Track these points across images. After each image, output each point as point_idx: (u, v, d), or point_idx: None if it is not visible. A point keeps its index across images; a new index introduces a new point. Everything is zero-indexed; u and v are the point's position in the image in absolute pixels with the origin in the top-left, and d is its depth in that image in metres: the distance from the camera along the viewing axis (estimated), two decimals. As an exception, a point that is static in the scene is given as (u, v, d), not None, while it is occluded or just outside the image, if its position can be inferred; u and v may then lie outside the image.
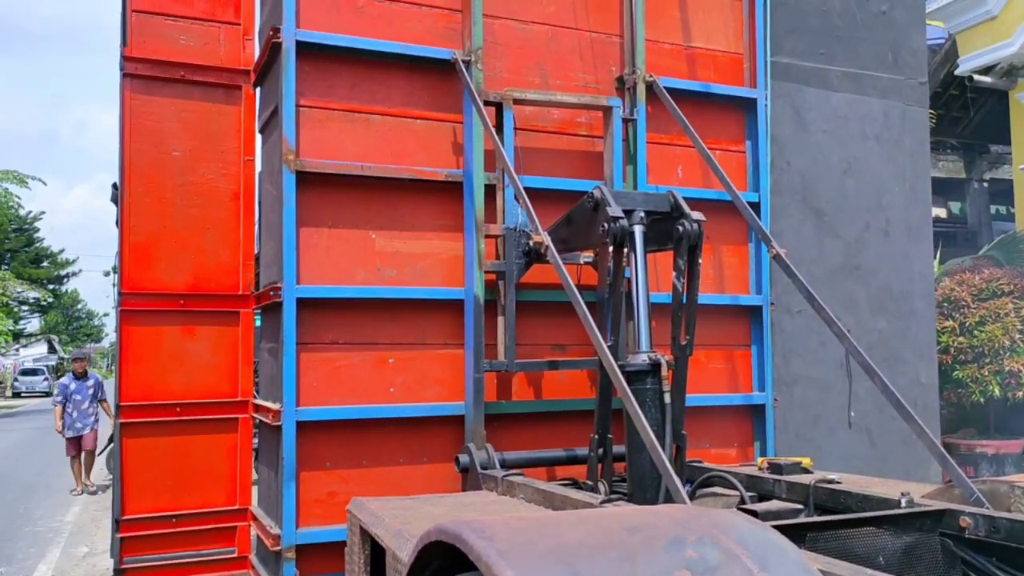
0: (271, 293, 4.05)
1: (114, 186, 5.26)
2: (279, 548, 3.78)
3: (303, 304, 3.86)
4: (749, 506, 3.18)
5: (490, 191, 4.14)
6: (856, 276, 6.47)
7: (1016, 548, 2.43)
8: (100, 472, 11.86)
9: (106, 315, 61.68)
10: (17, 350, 50.19)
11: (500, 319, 4.11)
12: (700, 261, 3.58)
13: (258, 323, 5.00)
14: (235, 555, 4.77)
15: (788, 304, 5.88)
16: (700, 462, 4.03)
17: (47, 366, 48.30)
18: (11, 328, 37.57)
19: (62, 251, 51.92)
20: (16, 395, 43.98)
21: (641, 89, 4.49)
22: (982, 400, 8.58)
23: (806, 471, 3.44)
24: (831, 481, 3.16)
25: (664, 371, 3.40)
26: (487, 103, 4.14)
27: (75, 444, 11.12)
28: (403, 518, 2.92)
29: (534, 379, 4.30)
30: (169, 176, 4.76)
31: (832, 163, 6.46)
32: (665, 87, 4.48)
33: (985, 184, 14.56)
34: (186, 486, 4.72)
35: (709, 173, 4.53)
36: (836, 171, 6.47)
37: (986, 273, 9.18)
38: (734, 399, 4.72)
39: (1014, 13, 10.93)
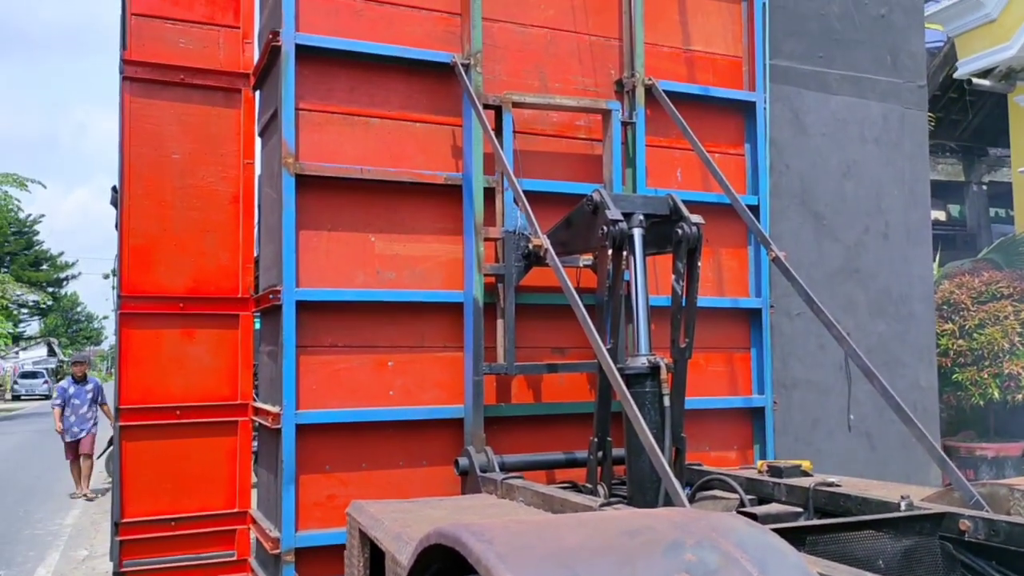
0: (270, 296, 4.05)
1: (114, 189, 5.26)
2: (278, 551, 3.78)
3: (302, 307, 3.86)
4: (748, 509, 3.18)
5: (489, 194, 4.14)
6: (855, 279, 6.48)
7: (1016, 551, 2.43)
8: (100, 475, 11.85)
9: (106, 318, 61.70)
10: (17, 353, 50.19)
11: (499, 322, 4.11)
12: (699, 264, 3.59)
13: (257, 326, 5.00)
14: (234, 558, 4.77)
15: (787, 307, 5.88)
16: (699, 465, 4.03)
17: (47, 369, 48.28)
18: (11, 331, 37.54)
19: (62, 254, 51.95)
20: (16, 398, 44.00)
21: (640, 92, 4.49)
22: (982, 403, 8.58)
23: (806, 474, 3.43)
24: (831, 484, 3.15)
25: (663, 374, 3.40)
26: (486, 106, 4.15)
27: (73, 448, 11.09)
28: (402, 521, 2.91)
29: (533, 382, 4.30)
30: (169, 179, 4.76)
31: (831, 166, 6.46)
32: (664, 90, 4.48)
33: (984, 187, 14.57)
34: (185, 489, 4.71)
35: (708, 176, 4.53)
36: (835, 174, 6.48)
37: (985, 276, 9.18)
38: (733, 402, 4.72)
39: (1013, 16, 10.95)
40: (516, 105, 4.24)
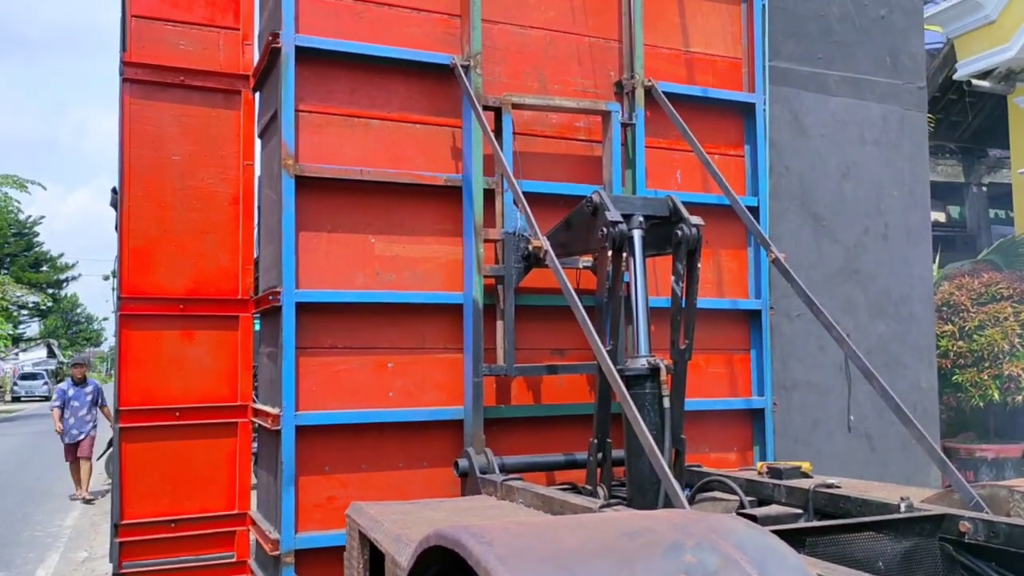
0: (270, 297, 4.05)
1: (114, 190, 5.26)
2: (278, 553, 3.78)
3: (302, 308, 3.87)
4: (748, 511, 3.18)
5: (489, 195, 4.14)
6: (855, 280, 6.48)
7: (1015, 552, 2.43)
8: (99, 477, 11.84)
9: (105, 319, 61.68)
10: (16, 354, 50.19)
11: (499, 323, 4.11)
12: (699, 265, 3.59)
13: (257, 327, 5.00)
14: (234, 560, 4.76)
15: (787, 308, 5.88)
16: (699, 466, 4.02)
17: (46, 370, 48.30)
18: (10, 332, 37.56)
19: (62, 255, 51.85)
20: (15, 399, 44.00)
21: (640, 94, 4.50)
22: (981, 404, 8.58)
23: (805, 475, 3.43)
24: (830, 486, 3.15)
25: (663, 375, 3.40)
26: (486, 108, 4.15)
27: (72, 450, 11.06)
28: (402, 523, 2.91)
29: (533, 383, 4.30)
30: (168, 180, 4.76)
31: (831, 167, 6.47)
32: (664, 92, 4.48)
33: (984, 188, 14.59)
34: (185, 490, 4.71)
35: (708, 177, 4.53)
36: (835, 175, 6.48)
37: (985, 277, 9.19)
38: (733, 403, 4.72)
39: (1012, 17, 10.96)
40: (516, 106, 4.24)
